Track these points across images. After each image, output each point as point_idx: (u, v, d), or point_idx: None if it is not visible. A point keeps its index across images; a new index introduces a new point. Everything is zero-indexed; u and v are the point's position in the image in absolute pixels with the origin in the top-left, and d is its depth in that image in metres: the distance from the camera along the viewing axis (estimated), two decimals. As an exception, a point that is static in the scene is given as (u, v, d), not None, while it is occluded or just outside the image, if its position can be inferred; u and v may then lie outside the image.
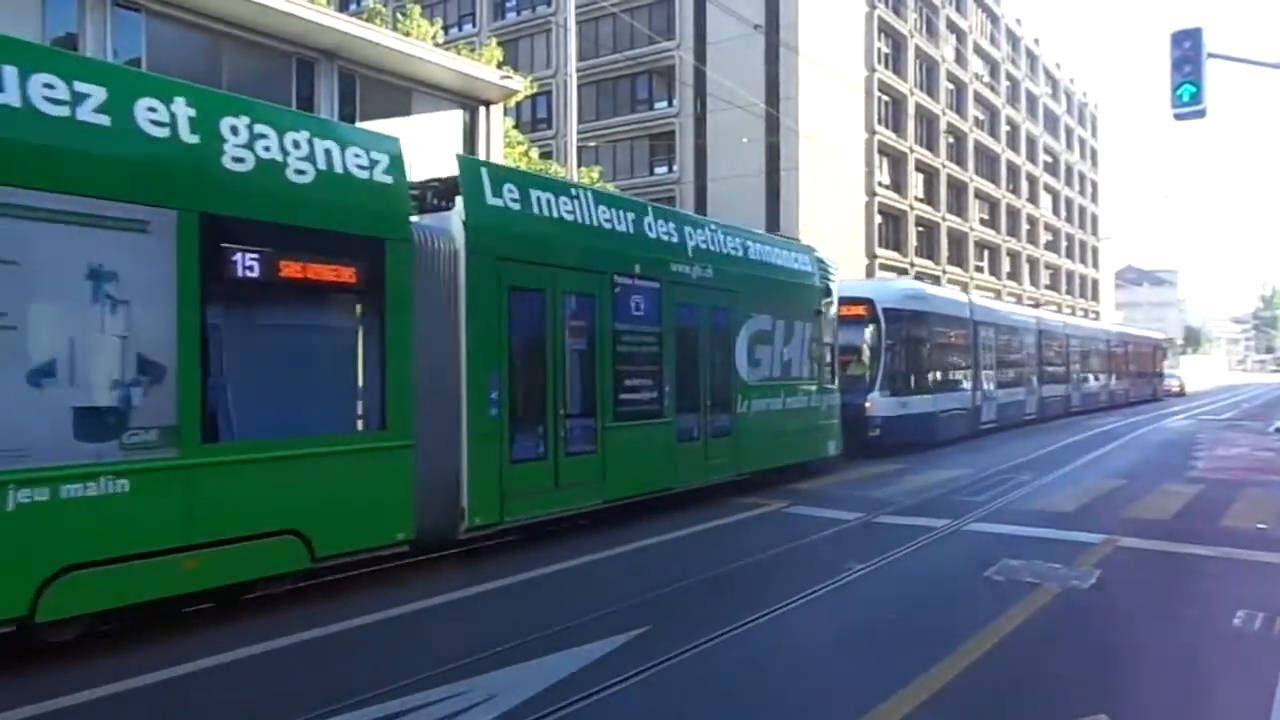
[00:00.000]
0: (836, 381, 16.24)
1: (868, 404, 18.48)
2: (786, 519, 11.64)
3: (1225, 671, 5.99)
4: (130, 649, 6.23)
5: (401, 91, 19.37)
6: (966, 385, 23.29)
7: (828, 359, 15.66)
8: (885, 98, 49.02)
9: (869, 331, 19.26)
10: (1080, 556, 9.05)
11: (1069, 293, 77.05)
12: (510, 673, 5.67)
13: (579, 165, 24.57)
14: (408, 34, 26.98)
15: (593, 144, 41.01)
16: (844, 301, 17.86)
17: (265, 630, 6.60)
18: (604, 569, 8.95)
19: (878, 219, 47.80)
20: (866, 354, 19.35)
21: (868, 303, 19.40)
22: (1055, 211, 75.15)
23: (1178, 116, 14.26)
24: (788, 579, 8.18)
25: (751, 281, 13.45)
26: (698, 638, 6.30)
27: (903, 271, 45.07)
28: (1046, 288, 71.50)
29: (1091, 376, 36.31)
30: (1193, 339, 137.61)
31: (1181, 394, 54.24)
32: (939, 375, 21.63)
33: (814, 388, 14.99)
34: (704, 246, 12.67)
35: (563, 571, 8.74)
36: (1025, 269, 67.60)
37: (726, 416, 12.78)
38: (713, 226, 13.36)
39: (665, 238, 12.01)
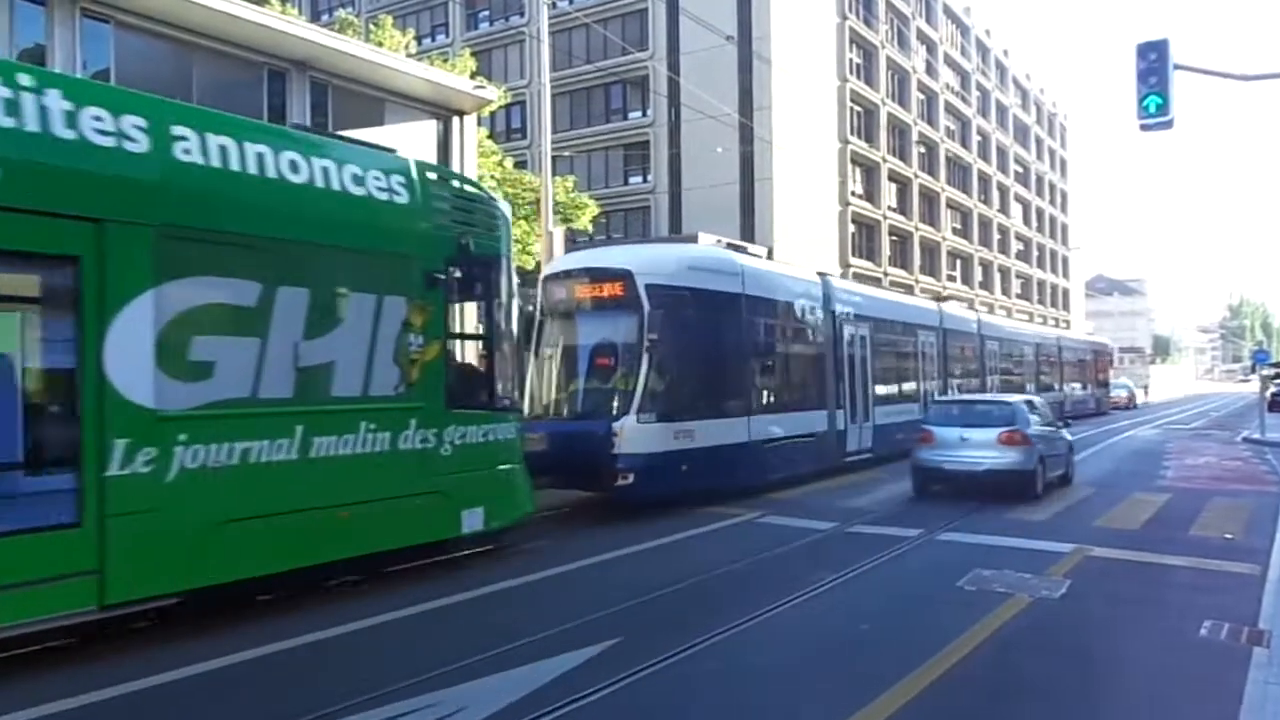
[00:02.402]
0: (523, 399, 12.03)
1: (615, 434, 12.00)
2: (759, 529, 11.66)
3: (1192, 681, 6.06)
4: (92, 660, 6.13)
5: (374, 102, 19.28)
6: (821, 401, 17.05)
7: (487, 362, 10.03)
8: (857, 108, 49.40)
9: (624, 323, 12.86)
10: (1051, 566, 9.13)
11: (1040, 302, 77.84)
12: (482, 684, 5.64)
13: (554, 175, 24.52)
14: (380, 44, 26.89)
15: (567, 154, 40.96)
16: (581, 275, 13.58)
17: (235, 642, 6.51)
18: (576, 580, 8.93)
19: (851, 228, 48.09)
20: (619, 358, 13.00)
21: (622, 278, 12.99)
22: (1026, 221, 75.98)
23: (1144, 127, 14.42)
24: (760, 589, 8.18)
25: (162, 199, 6.96)
26: (670, 649, 6.29)
27: (875, 281, 44.85)
28: (1018, 297, 72.21)
29: (1020, 387, 30.74)
30: (1161, 348, 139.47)
31: (1130, 407, 48.07)
32: (764, 388, 15.28)
33: (417, 414, 8.61)
34: None
35: (534, 583, 8.70)
36: (997, 278, 68.25)
37: (67, 478, 6.44)
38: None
39: None
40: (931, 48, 59.50)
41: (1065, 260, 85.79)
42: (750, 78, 41.45)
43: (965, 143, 63.79)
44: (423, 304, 8.80)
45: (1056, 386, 36.26)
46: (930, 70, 58.69)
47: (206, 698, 5.74)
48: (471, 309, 10.62)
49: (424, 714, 5.17)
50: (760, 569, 9.28)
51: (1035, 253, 77.48)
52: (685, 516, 12.15)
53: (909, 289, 46.96)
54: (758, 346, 15.34)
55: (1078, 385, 40.33)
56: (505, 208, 10.52)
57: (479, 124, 25.08)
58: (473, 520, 9.22)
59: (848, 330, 18.35)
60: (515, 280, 10.49)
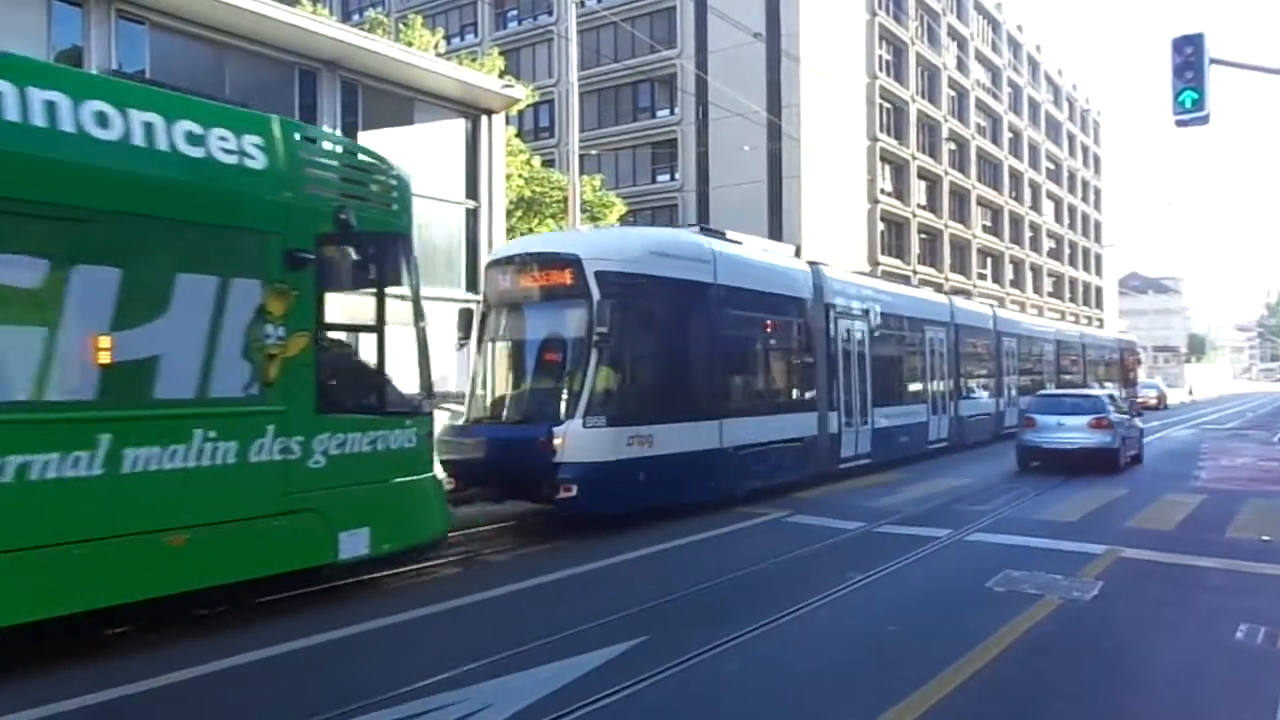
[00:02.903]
0: (427, 400, 8.82)
1: (556, 440, 10.65)
2: (786, 528, 11.62)
3: (1227, 686, 5.96)
4: (131, 654, 6.23)
5: (404, 101, 19.42)
6: (810, 403, 15.68)
7: (379, 359, 8.19)
8: (887, 105, 49.06)
9: (570, 315, 11.65)
10: (1082, 568, 9.02)
11: (1073, 300, 76.94)
12: (507, 681, 5.66)
13: (581, 173, 24.59)
14: (410, 44, 27.08)
15: (594, 152, 41.02)
16: (524, 262, 12.25)
17: (262, 637, 6.59)
18: (602, 578, 8.94)
19: (880, 226, 47.78)
20: (565, 355, 11.84)
21: (569, 264, 11.65)
22: (1058, 218, 75.12)
23: (1179, 123, 14.23)
24: (787, 589, 8.15)
25: None
26: (696, 647, 6.28)
27: (905, 280, 44.22)
28: (1050, 295, 71.41)
29: (1037, 388, 28.44)
30: (1197, 347, 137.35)
31: (1160, 407, 45.80)
32: (741, 388, 14.07)
33: (275, 420, 7.20)
34: None
35: (560, 581, 8.71)
36: (1028, 276, 67.55)
37: None
38: None
39: None
40: (962, 44, 58.97)
41: (1098, 258, 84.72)
42: (778, 75, 41.30)
43: (996, 139, 63.16)
44: (284, 288, 7.25)
45: (1081, 385, 33.62)
46: (961, 66, 58.16)
47: (237, 691, 5.81)
48: (367, 295, 8.38)
49: (450, 710, 5.19)
50: (787, 568, 9.24)
51: (1067, 250, 76.59)
52: (711, 515, 12.12)
53: (938, 287, 46.56)
54: (733, 342, 13.79)
55: (1105, 385, 37.95)
56: (406, 177, 8.69)
57: (507, 123, 25.17)
58: (354, 543, 7.68)
59: (843, 325, 16.86)
60: (417, 261, 8.73)
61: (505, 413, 11.94)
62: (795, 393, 15.53)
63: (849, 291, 17.77)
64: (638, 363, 11.97)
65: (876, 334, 18.26)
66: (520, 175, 29.69)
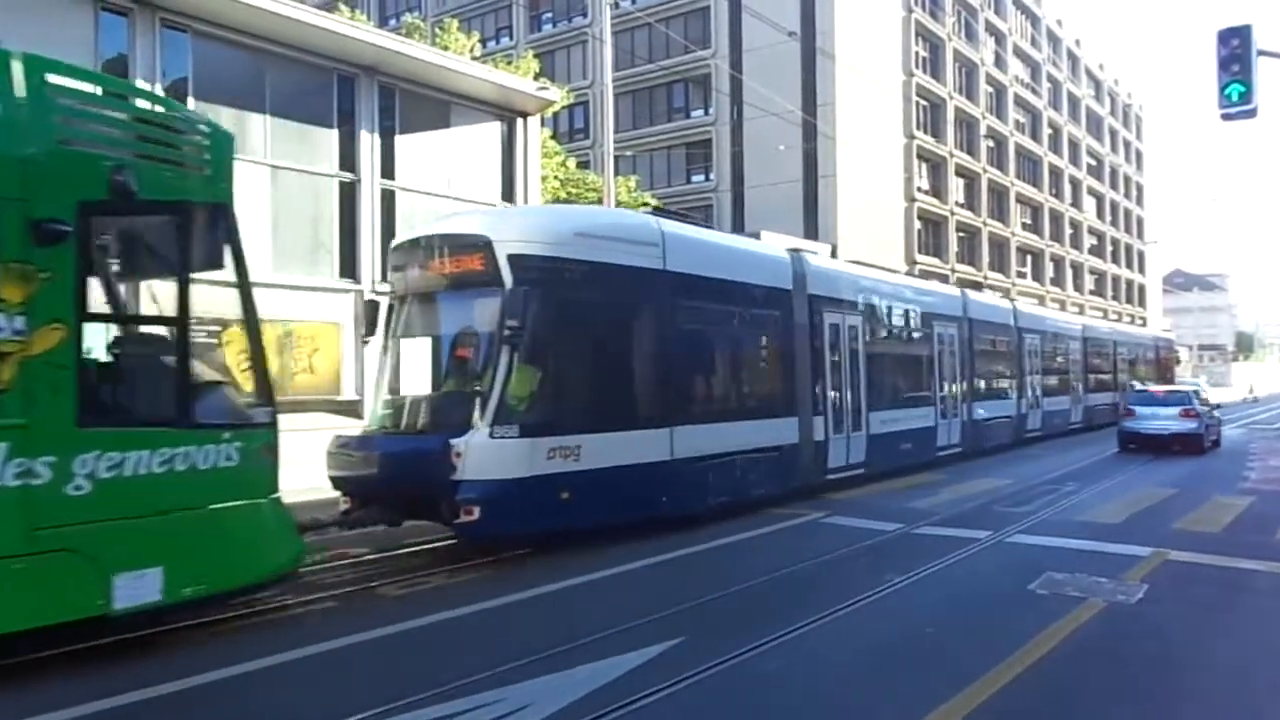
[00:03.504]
0: (264, 409, 7.15)
1: (455, 453, 9.06)
2: (824, 529, 11.54)
3: (1278, 691, 5.83)
4: (189, 648, 6.34)
5: (440, 104, 19.59)
6: (789, 407, 13.81)
7: (178, 357, 6.63)
8: (923, 102, 48.62)
9: (479, 306, 10.12)
10: (1127, 570, 8.87)
11: (1115, 298, 75.74)
12: (545, 682, 5.67)
13: (616, 174, 24.65)
14: (446, 48, 27.31)
15: (629, 153, 41.09)
16: (429, 246, 10.49)
17: (298, 637, 6.67)
18: (638, 578, 8.93)
19: (917, 225, 47.38)
20: (474, 353, 10.23)
21: (477, 247, 10.05)
22: (1099, 215, 73.99)
23: (1225, 117, 13.93)
24: (824, 590, 8.10)
25: None
26: (733, 649, 6.25)
27: (944, 279, 43.50)
28: (1091, 293, 70.38)
29: (1062, 389, 28.00)
30: (1245, 345, 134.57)
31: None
32: (699, 390, 12.34)
33: (10, 436, 5.62)
34: None
35: (597, 581, 8.72)
36: (1069, 274, 66.61)
37: None
38: None
39: None
40: (1000, 39, 58.29)
41: (1141, 255, 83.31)
42: (813, 74, 41.10)
43: (1035, 136, 62.37)
44: (26, 269, 5.69)
45: (1112, 386, 32.50)
46: (999, 62, 57.50)
47: (271, 692, 5.88)
48: (167, 280, 6.85)
49: (487, 710, 5.20)
50: (824, 570, 9.18)
51: (1109, 247, 75.42)
52: (746, 517, 12.07)
53: (977, 286, 46.01)
54: (690, 338, 11.98)
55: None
56: (226, 135, 7.05)
57: (542, 125, 25.29)
58: (137, 589, 5.99)
59: (830, 320, 14.99)
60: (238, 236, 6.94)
61: (404, 421, 10.28)
62: (771, 396, 13.69)
63: (839, 282, 15.89)
64: (563, 362, 10.20)
65: (873, 330, 16.57)
66: (555, 177, 29.81)
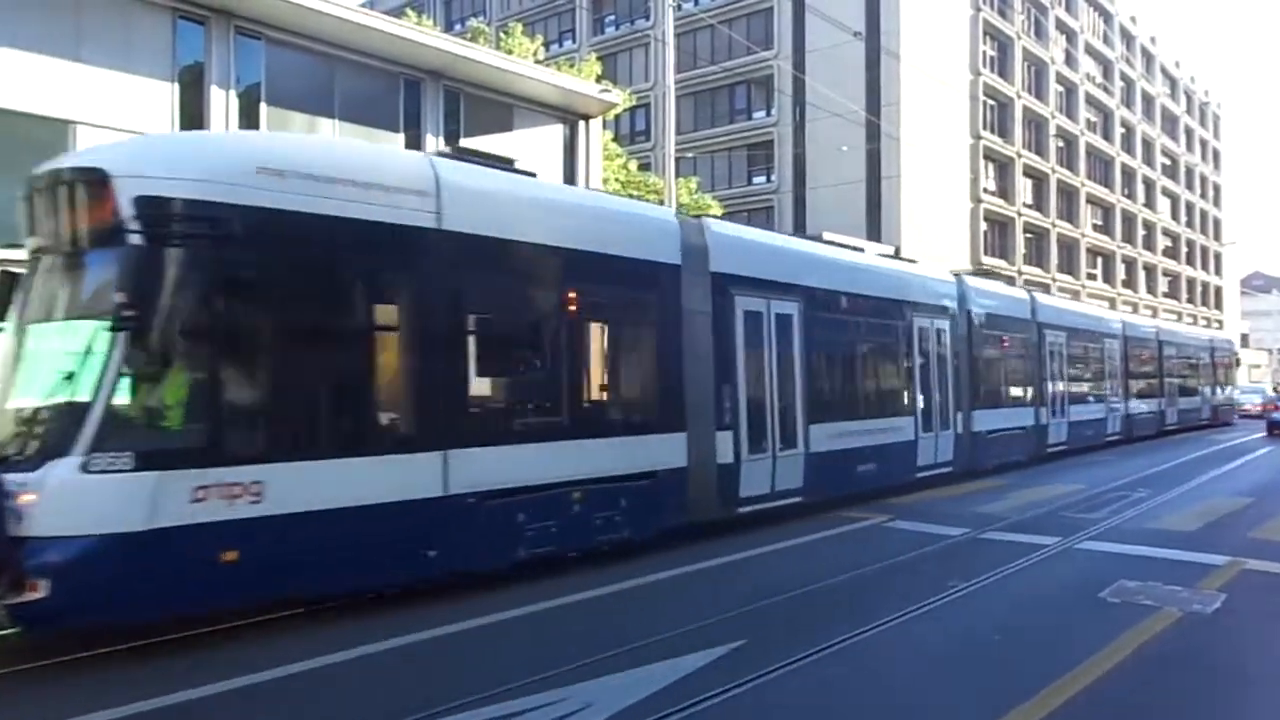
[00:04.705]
0: None
1: (23, 499, 6.04)
2: (888, 534, 11.41)
3: (1365, 706, 5.62)
4: (262, 643, 6.52)
5: (504, 108, 19.83)
6: (672, 419, 10.50)
7: None
8: (991, 101, 47.76)
9: (92, 273, 7.07)
10: (1203, 579, 8.61)
11: (1190, 301, 73.46)
12: (608, 681, 5.70)
13: (677, 176, 24.66)
14: (510, 52, 27.60)
15: (691, 155, 41.09)
16: (45, 190, 7.15)
17: (371, 633, 6.81)
18: (701, 581, 8.93)
19: (983, 226, 46.55)
20: (82, 344, 6.60)
21: (94, 186, 6.78)
22: (1174, 216, 71.84)
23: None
24: (888, 595, 8.01)
25: None
26: (795, 653, 6.22)
27: (1010, 281, 41.47)
28: (1165, 295, 68.37)
29: (1095, 395, 24.25)
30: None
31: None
32: (502, 394, 9.47)
33: None
34: None
35: (659, 582, 8.75)
36: (1141, 276, 64.79)
37: None
38: None
39: None
40: (1071, 37, 56.99)
41: (1218, 256, 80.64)
42: (878, 74, 40.67)
43: (1107, 135, 60.82)
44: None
45: (1158, 392, 28.93)
46: (1070, 61, 56.21)
47: (326, 690, 6.01)
48: None
49: (549, 710, 5.25)
50: (889, 575, 9.08)
51: (1184, 249, 73.17)
52: (814, 520, 11.97)
53: (1045, 288, 45.02)
54: (488, 327, 8.99)
55: (1188, 391, 32.18)
56: None
57: (604, 127, 25.43)
58: None
59: (748, 307, 11.59)
60: None
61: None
62: (641, 405, 10.54)
63: (760, 258, 12.31)
64: (230, 358, 6.99)
65: (818, 322, 12.92)
66: (617, 179, 29.93)
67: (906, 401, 15.28)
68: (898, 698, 5.67)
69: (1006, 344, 19.33)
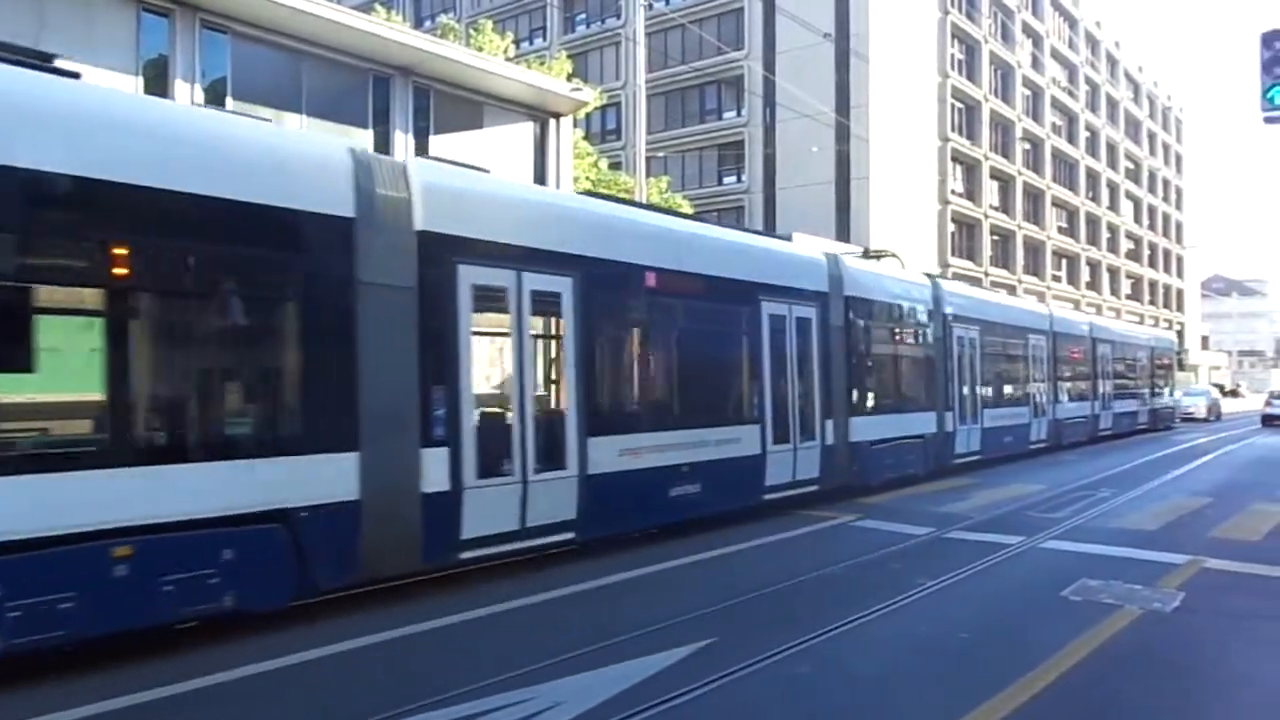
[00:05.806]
0: None
1: None
2: (856, 533, 11.48)
3: (1319, 701, 5.73)
4: (212, 646, 6.43)
5: (474, 105, 19.71)
6: (397, 429, 7.82)
7: None
8: (958, 104, 48.23)
9: None
10: (1163, 578, 8.74)
11: (1152, 303, 74.65)
12: (576, 680, 5.70)
13: (648, 175, 24.67)
14: (480, 49, 27.46)
15: (661, 154, 41.13)
16: None
17: (339, 631, 6.76)
18: (670, 579, 8.94)
19: (950, 228, 47.00)
20: None
21: None
22: (1137, 219, 72.97)
23: (1268, 120, 13.74)
24: (856, 594, 8.06)
25: None
26: (764, 651, 6.24)
27: (976, 281, 39.19)
28: (1128, 297, 69.45)
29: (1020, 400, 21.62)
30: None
31: (1211, 419, 40.30)
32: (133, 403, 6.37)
33: None
34: None
35: (629, 581, 8.75)
36: (1105, 278, 65.74)
37: None
38: None
39: None
40: (1037, 41, 57.70)
41: (1180, 259, 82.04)
42: (847, 75, 40.94)
43: (1072, 139, 61.65)
44: None
45: (1091, 394, 26.43)
46: (1036, 64, 56.92)
47: (296, 689, 5.95)
48: None
49: (518, 709, 5.23)
50: (855, 573, 9.13)
51: (1147, 252, 74.34)
52: (781, 519, 12.03)
53: (1011, 289, 45.53)
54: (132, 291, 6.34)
55: (1125, 393, 29.70)
56: None
57: (575, 126, 25.38)
58: None
59: (469, 278, 8.54)
60: None
61: None
62: (258, 414, 7.32)
63: (504, 217, 9.16)
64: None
65: (606, 306, 10.29)
66: (587, 178, 29.89)
67: (749, 407, 12.34)
68: (865, 697, 5.72)
69: (899, 338, 16.61)
